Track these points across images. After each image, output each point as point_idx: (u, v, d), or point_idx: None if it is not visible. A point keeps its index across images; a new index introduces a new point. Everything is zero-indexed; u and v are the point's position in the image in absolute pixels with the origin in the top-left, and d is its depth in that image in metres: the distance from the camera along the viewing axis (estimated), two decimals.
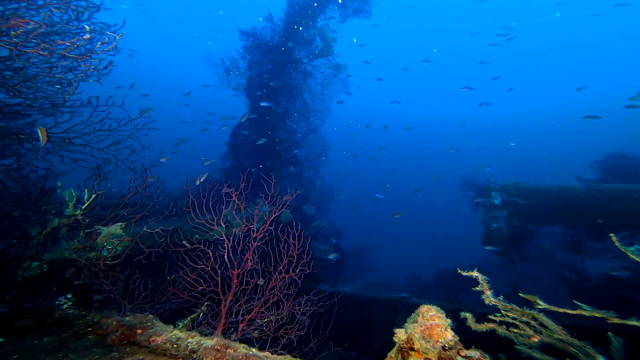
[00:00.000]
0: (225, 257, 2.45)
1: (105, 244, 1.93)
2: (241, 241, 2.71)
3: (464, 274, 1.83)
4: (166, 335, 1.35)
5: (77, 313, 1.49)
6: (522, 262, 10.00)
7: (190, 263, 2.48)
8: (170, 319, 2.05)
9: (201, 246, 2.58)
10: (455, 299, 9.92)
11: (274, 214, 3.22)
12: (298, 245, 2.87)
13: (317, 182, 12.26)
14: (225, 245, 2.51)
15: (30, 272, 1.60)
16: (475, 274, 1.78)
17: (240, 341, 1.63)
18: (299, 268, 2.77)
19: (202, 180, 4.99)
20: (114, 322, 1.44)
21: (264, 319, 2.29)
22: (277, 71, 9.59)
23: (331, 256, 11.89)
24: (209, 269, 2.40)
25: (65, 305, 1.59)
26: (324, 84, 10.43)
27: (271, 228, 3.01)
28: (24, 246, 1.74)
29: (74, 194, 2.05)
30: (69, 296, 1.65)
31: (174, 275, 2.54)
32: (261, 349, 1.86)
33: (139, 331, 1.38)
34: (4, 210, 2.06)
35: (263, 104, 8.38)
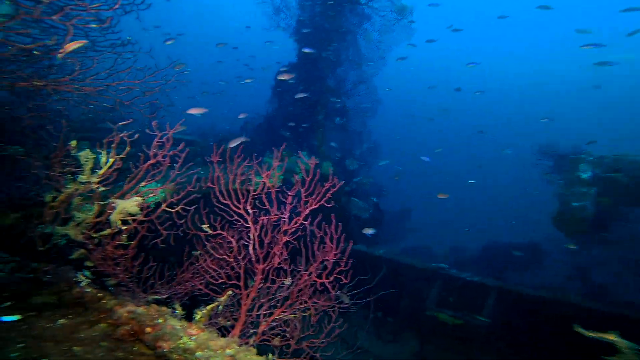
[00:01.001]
0: (251, 248, 2.22)
1: (118, 221, 1.78)
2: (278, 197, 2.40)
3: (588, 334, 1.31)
4: (174, 342, 1.18)
5: (93, 294, 1.41)
6: (598, 246, 8.68)
7: (212, 251, 2.31)
8: (189, 305, 1.98)
9: (224, 233, 2.37)
10: (501, 277, 9.25)
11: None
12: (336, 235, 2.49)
13: (363, 136, 11.49)
14: (252, 235, 2.25)
15: (52, 242, 1.56)
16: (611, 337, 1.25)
17: (259, 348, 1.44)
18: (334, 274, 2.42)
19: (235, 145, 4.75)
20: (125, 314, 1.29)
21: (287, 324, 2.10)
22: (331, 12, 8.32)
23: (366, 214, 11.64)
24: (232, 259, 2.22)
25: (83, 283, 1.54)
26: (382, 30, 8.91)
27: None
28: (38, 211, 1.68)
29: (90, 156, 1.87)
30: (87, 273, 1.59)
31: (199, 252, 2.42)
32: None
33: (149, 329, 1.24)
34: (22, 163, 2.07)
35: (306, 49, 7.47)
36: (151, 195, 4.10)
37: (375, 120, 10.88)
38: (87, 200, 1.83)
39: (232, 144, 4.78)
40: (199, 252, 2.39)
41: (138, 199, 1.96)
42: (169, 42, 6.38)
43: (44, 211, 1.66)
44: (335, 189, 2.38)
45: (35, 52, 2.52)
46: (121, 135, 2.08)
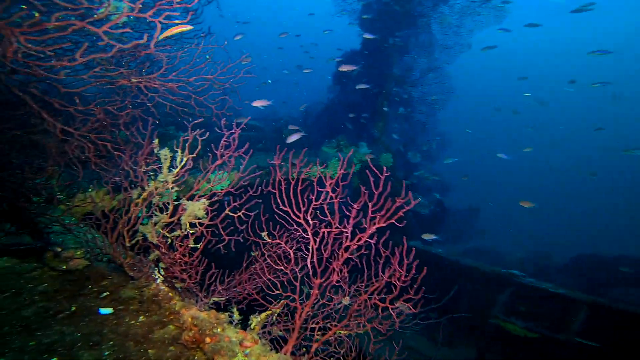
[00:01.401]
0: (309, 261, 2.15)
1: (187, 224, 1.88)
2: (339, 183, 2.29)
3: None
4: (229, 359, 1.18)
5: (165, 293, 1.52)
6: None
7: (269, 259, 2.31)
8: (245, 311, 2.03)
9: (282, 242, 2.34)
10: (595, 292, 7.74)
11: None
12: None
13: (429, 128, 10.59)
14: (310, 247, 2.17)
15: (135, 239, 1.72)
16: None
17: None
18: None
19: (293, 140, 4.74)
20: (190, 319, 1.35)
21: (342, 345, 2.00)
22: None
23: (426, 210, 10.95)
24: (288, 270, 2.18)
25: (159, 280, 1.68)
26: (464, 13, 7.80)
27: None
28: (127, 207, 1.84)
29: (168, 155, 1.99)
30: (162, 271, 1.73)
31: (257, 253, 2.46)
32: None
33: (208, 340, 1.27)
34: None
35: (368, 35, 6.94)
36: (217, 184, 4.42)
37: (447, 112, 9.87)
38: (163, 200, 1.98)
39: (290, 140, 4.82)
40: (257, 252, 2.45)
41: (205, 201, 2.04)
42: (237, 37, 6.64)
43: (131, 208, 1.84)
44: (407, 208, 2.14)
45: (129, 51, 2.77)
46: (194, 134, 2.19)
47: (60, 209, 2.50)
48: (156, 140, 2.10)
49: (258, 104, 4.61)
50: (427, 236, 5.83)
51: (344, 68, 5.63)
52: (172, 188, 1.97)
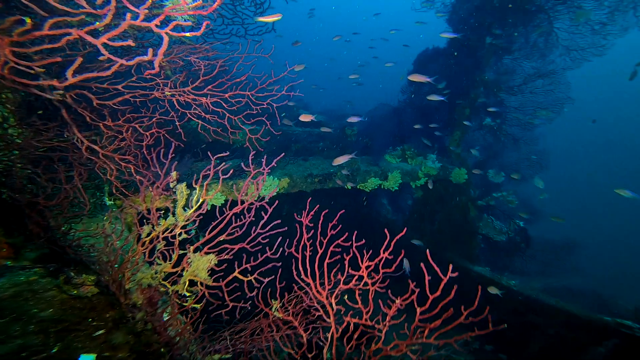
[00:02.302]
0: (325, 351, 1.74)
1: (187, 282, 1.69)
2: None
3: None
4: None
5: (159, 347, 1.41)
6: None
7: (277, 339, 1.96)
8: None
9: (296, 323, 1.96)
10: None
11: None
12: None
13: (523, 144, 8.75)
14: (329, 336, 1.77)
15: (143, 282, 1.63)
16: None
17: None
18: None
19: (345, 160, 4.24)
20: None
21: None
22: None
23: (502, 237, 9.48)
24: (298, 356, 1.81)
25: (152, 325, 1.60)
26: (620, 6, 5.85)
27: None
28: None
29: (184, 192, 1.84)
30: (165, 316, 1.64)
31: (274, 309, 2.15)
32: None
33: None
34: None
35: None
36: (265, 190, 4.32)
37: (555, 125, 7.97)
38: (170, 246, 1.84)
39: (337, 162, 4.40)
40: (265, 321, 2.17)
41: (213, 258, 1.83)
42: (296, 44, 6.39)
43: (137, 247, 1.77)
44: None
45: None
46: (219, 168, 2.01)
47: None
48: (174, 174, 1.99)
49: (304, 118, 4.32)
50: (492, 290, 4.88)
51: (415, 78, 4.78)
52: (180, 234, 1.82)
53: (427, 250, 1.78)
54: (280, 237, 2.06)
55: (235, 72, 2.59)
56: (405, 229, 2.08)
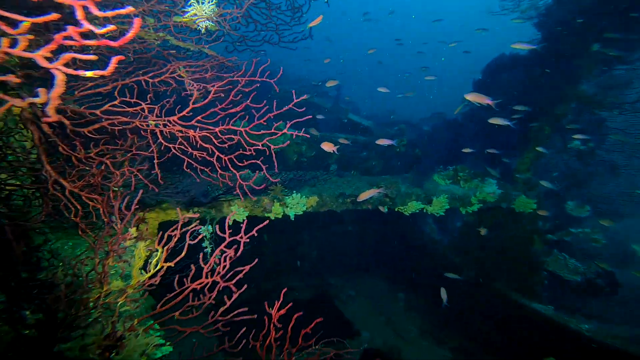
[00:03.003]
0: None
1: None
2: None
3: None
4: None
5: None
6: None
7: None
8: None
9: None
10: None
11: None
12: None
13: (623, 173, 6.89)
14: None
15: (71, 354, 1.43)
16: None
17: None
18: None
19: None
20: None
21: None
22: None
23: (577, 277, 8.14)
24: None
25: None
26: None
27: None
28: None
29: (142, 254, 1.58)
30: None
31: None
32: None
33: None
34: None
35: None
36: (292, 208, 4.04)
37: None
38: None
39: (362, 198, 3.85)
40: None
41: (153, 341, 1.54)
42: (371, 51, 5.79)
43: (78, 308, 1.52)
44: None
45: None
46: (191, 228, 1.71)
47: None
48: (132, 230, 1.74)
49: (326, 147, 3.86)
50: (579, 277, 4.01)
51: (472, 98, 3.81)
52: (118, 304, 1.54)
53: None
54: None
55: (240, 96, 2.19)
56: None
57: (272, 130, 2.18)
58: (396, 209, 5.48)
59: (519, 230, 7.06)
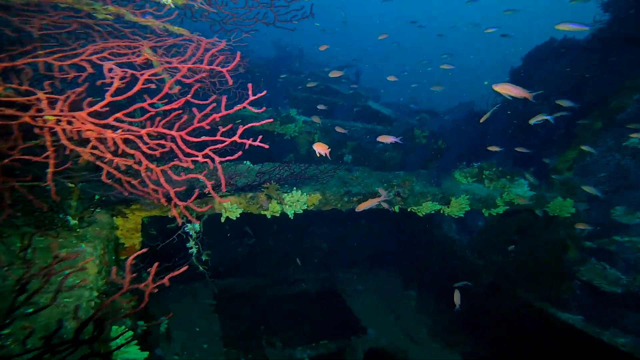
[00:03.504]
0: None
1: None
2: None
3: None
4: None
5: None
6: None
7: None
8: None
9: None
10: None
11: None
12: None
13: None
14: None
15: None
16: None
17: None
18: None
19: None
20: None
21: None
22: None
23: (616, 288, 7.53)
24: None
25: None
26: None
27: None
28: None
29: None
30: None
31: None
32: None
33: None
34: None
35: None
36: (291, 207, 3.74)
37: None
38: None
39: (361, 208, 3.43)
40: None
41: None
42: (381, 37, 5.09)
43: None
44: None
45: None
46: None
47: None
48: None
49: (319, 148, 3.45)
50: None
51: (503, 90, 3.02)
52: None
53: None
54: None
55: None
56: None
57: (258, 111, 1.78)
58: (408, 209, 5.04)
59: (551, 235, 6.39)
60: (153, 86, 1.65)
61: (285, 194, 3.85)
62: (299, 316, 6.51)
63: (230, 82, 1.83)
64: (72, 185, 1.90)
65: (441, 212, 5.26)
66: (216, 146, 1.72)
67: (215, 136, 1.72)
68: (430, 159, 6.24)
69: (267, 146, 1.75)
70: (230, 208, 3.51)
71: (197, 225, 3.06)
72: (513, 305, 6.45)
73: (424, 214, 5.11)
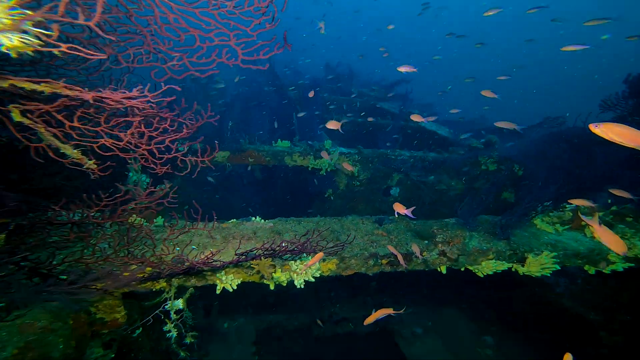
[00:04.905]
0: None
1: None
2: None
3: None
4: None
5: None
6: None
7: None
8: None
9: None
10: None
11: None
12: None
13: None
14: None
15: None
16: None
17: None
18: None
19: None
20: None
21: None
22: None
23: None
24: None
25: None
26: None
27: None
28: None
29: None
30: None
31: None
32: None
33: None
34: None
35: None
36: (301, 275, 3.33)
37: None
38: None
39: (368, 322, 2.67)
40: None
41: None
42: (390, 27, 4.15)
43: None
44: None
45: None
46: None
47: None
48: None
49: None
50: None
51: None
52: None
53: None
54: None
55: None
56: None
57: None
58: (462, 269, 4.02)
59: None
60: None
61: (291, 261, 3.46)
62: None
63: None
64: None
65: (512, 270, 4.04)
66: None
67: None
68: (497, 192, 4.94)
69: None
70: (226, 279, 3.29)
71: (178, 303, 2.85)
72: None
73: (485, 274, 4.01)
